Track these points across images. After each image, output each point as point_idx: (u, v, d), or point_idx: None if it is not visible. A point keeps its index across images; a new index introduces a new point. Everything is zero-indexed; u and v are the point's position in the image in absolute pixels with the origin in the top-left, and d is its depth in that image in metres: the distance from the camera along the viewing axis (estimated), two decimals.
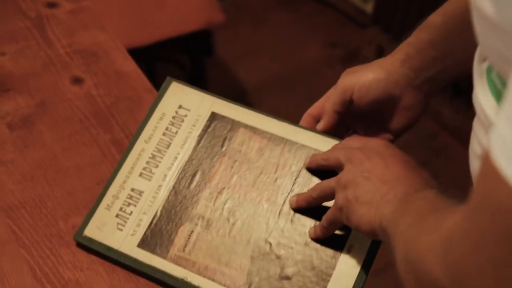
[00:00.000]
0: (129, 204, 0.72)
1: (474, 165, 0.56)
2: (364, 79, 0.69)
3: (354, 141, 0.69)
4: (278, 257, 0.67)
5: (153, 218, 0.71)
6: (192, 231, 0.70)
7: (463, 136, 1.83)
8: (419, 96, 0.70)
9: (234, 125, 0.75)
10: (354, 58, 2.06)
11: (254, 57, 2.09)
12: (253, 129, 0.75)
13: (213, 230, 0.69)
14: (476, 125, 0.54)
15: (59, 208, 0.75)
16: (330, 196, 0.65)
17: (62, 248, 0.72)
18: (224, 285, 0.67)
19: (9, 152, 0.81)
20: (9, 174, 0.79)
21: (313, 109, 0.75)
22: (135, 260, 0.69)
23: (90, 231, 0.71)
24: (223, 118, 0.76)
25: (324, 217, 0.66)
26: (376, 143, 0.66)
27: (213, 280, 0.67)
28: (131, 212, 0.71)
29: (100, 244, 0.70)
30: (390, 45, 1.91)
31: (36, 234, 0.73)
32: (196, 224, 0.70)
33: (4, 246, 0.71)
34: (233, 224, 0.69)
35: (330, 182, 0.65)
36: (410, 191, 0.56)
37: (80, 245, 0.71)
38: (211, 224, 0.70)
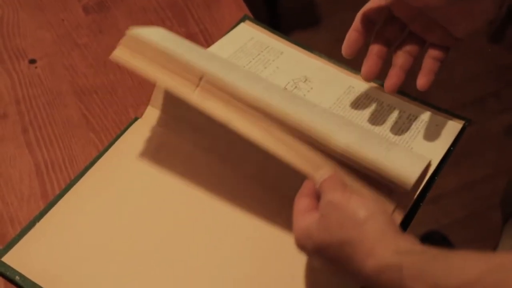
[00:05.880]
0: None
1: None
2: None
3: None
4: None
5: None
6: None
7: None
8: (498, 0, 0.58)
9: None
10: None
11: None
12: None
13: None
14: None
15: (129, 97, 0.75)
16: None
17: None
18: None
19: (83, 36, 0.81)
20: (83, 57, 0.79)
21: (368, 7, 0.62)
22: None
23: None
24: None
25: None
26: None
27: None
28: None
29: None
30: None
31: (106, 120, 0.73)
32: None
33: (75, 129, 0.72)
34: None
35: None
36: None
37: None
38: None
